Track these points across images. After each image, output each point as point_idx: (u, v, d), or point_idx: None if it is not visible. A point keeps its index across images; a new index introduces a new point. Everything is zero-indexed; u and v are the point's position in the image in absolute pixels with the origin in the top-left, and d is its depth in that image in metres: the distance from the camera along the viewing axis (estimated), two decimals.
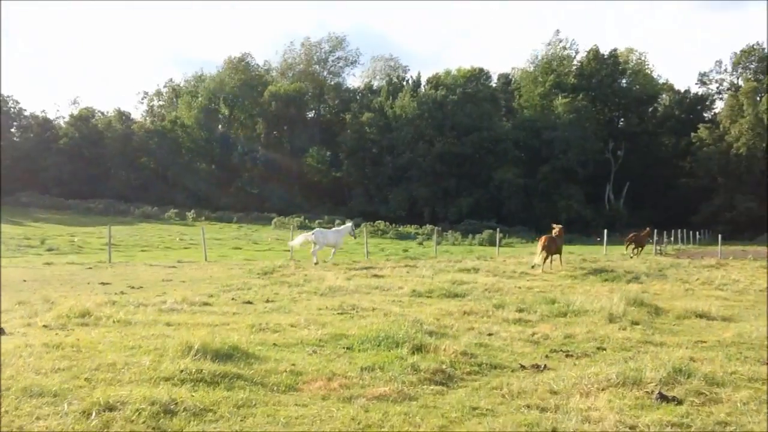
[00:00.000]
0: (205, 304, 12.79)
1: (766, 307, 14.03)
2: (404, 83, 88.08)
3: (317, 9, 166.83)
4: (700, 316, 12.43)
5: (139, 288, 16.02)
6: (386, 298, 14.51)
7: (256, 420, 5.61)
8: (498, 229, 45.59)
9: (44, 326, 9.60)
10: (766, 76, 79.42)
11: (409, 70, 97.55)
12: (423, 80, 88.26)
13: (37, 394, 5.81)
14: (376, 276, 19.50)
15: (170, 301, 12.48)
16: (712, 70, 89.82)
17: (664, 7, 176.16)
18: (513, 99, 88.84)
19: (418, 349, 8.39)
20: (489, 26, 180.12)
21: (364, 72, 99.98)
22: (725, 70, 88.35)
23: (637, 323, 11.27)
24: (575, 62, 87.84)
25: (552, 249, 24.18)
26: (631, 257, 33.33)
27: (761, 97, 75.99)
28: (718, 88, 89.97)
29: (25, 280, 17.41)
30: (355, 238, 31.28)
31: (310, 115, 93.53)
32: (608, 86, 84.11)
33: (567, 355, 8.83)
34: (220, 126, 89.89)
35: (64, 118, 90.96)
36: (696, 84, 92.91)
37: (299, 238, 27.52)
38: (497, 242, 41.31)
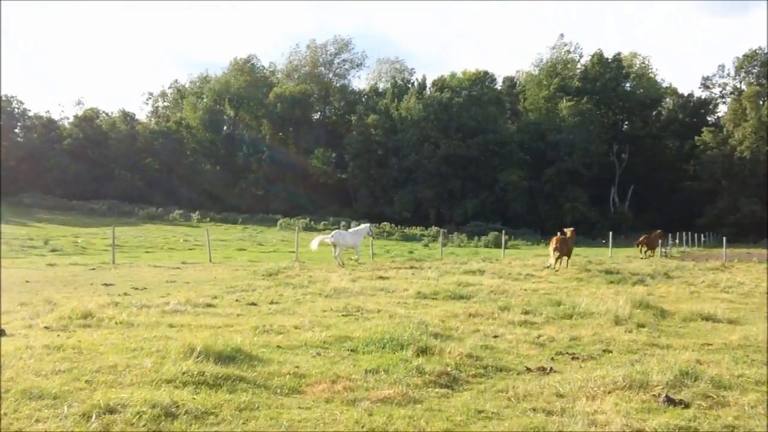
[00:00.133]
0: (209, 305, 12.72)
1: (766, 309, 13.94)
2: (410, 85, 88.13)
3: (323, 11, 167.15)
4: (706, 318, 12.33)
5: (143, 289, 15.99)
6: (391, 299, 14.44)
7: (259, 423, 5.54)
8: (503, 231, 45.47)
9: (46, 328, 9.54)
10: None
11: (414, 72, 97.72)
12: (428, 83, 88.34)
13: (37, 396, 5.74)
14: (381, 278, 19.43)
15: (173, 302, 12.42)
16: (715, 74, 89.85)
17: (667, 11, 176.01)
18: (518, 102, 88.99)
19: (423, 351, 8.31)
20: (494, 30, 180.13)
21: (370, 74, 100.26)
22: (728, 75, 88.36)
23: (643, 326, 11.17)
24: (579, 66, 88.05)
25: (564, 250, 25.02)
26: (643, 258, 33.35)
27: (764, 101, 76.04)
28: (721, 92, 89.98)
29: (27, 281, 17.39)
30: (373, 238, 31.42)
31: (315, 117, 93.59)
32: (612, 90, 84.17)
33: (573, 358, 8.75)
34: (225, 127, 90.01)
35: (68, 118, 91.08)
36: (699, 88, 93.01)
37: (316, 240, 27.60)
38: (503, 244, 41.18)
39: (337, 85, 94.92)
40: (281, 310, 12.44)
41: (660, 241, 38.47)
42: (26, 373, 6.54)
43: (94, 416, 5.29)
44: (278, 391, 6.59)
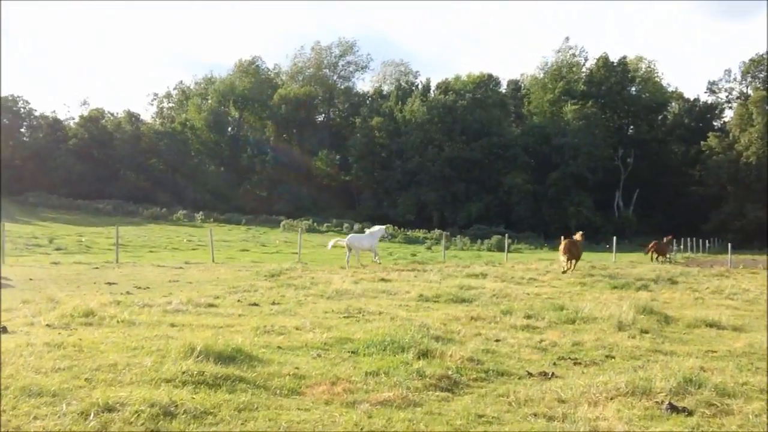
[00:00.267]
0: (211, 305, 12.69)
1: (766, 316, 13.85)
2: (414, 88, 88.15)
3: (329, 14, 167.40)
4: (711, 325, 12.23)
5: (145, 288, 15.98)
6: (393, 302, 14.39)
7: (257, 424, 5.50)
8: (507, 235, 45.45)
9: (47, 325, 9.52)
10: None
11: (419, 75, 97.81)
12: (432, 85, 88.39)
13: (36, 393, 5.71)
14: (383, 280, 19.37)
15: (175, 302, 12.40)
16: (721, 79, 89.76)
17: (673, 15, 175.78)
18: (522, 105, 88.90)
19: (424, 354, 8.26)
20: (499, 33, 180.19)
21: (375, 77, 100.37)
22: (734, 79, 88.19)
23: (646, 331, 11.09)
24: (584, 69, 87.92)
25: (573, 253, 25.46)
26: (657, 263, 33.43)
27: None
28: (727, 96, 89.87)
29: (31, 279, 17.40)
30: (388, 240, 31.18)
31: (319, 119, 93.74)
32: (618, 93, 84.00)
33: (575, 363, 8.68)
34: (229, 128, 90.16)
35: (73, 118, 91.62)
36: (705, 92, 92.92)
37: (332, 242, 27.64)
38: (506, 248, 41.14)
39: (342, 87, 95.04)
40: (283, 311, 12.40)
41: (671, 246, 38.64)
42: (26, 370, 6.51)
43: (92, 414, 5.26)
44: (278, 392, 6.55)
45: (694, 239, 58.06)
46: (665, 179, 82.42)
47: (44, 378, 6.24)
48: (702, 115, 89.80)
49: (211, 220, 69.29)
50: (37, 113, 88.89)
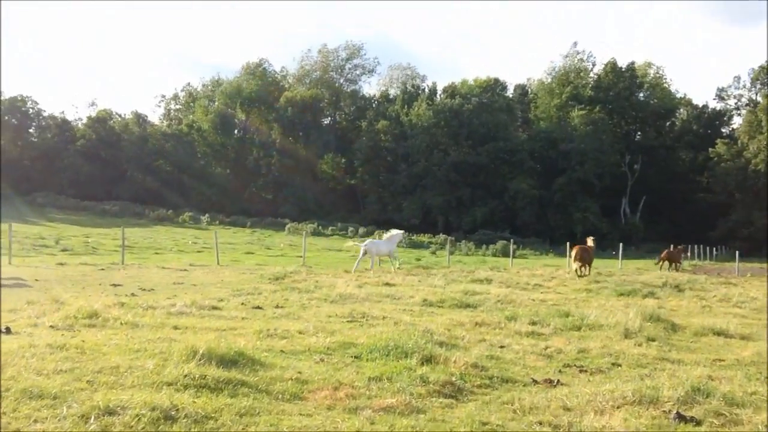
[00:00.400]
0: (214, 308, 12.67)
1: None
2: (420, 92, 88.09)
3: (337, 18, 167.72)
4: (718, 333, 12.12)
5: (150, 290, 15.99)
6: (397, 306, 14.32)
7: (259, 429, 5.45)
8: (512, 240, 45.29)
9: (51, 326, 9.51)
10: None
11: (426, 78, 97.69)
12: (439, 90, 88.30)
13: (37, 395, 5.67)
14: (387, 284, 19.33)
15: (179, 304, 12.37)
16: (730, 86, 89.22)
17: (682, 21, 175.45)
18: (529, 110, 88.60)
19: (428, 360, 8.18)
20: (506, 38, 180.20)
21: (381, 80, 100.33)
22: (744, 86, 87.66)
23: (653, 339, 10.99)
24: (592, 75, 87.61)
25: (585, 259, 26.21)
26: (668, 271, 33.47)
27: None
28: (736, 103, 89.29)
29: (37, 280, 17.42)
30: (405, 246, 31.36)
31: (325, 122, 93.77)
32: (625, 99, 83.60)
33: (581, 371, 8.60)
34: (236, 130, 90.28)
35: (81, 119, 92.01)
36: (714, 99, 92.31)
37: (352, 243, 27.64)
38: (511, 253, 41.01)
39: (348, 90, 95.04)
40: (286, 315, 12.36)
41: (684, 255, 38.82)
42: (27, 372, 6.47)
43: (93, 418, 5.21)
44: (280, 396, 6.49)
45: (702, 247, 57.75)
46: (673, 186, 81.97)
47: (46, 380, 6.21)
48: (710, 121, 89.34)
49: (217, 222, 69.40)
50: (45, 114, 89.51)
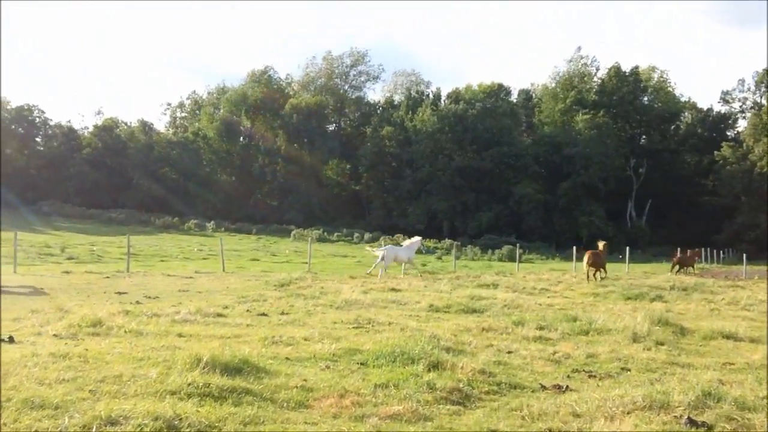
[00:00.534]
0: (219, 315, 12.61)
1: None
2: (424, 97, 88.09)
3: (342, 25, 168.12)
4: (727, 336, 12.00)
5: (155, 298, 15.92)
6: (403, 312, 14.24)
7: None
8: (518, 245, 45.15)
9: (55, 335, 9.45)
10: None
11: (430, 84, 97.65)
12: (443, 95, 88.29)
13: (38, 405, 5.60)
14: (393, 290, 19.23)
15: (184, 311, 12.31)
16: (735, 89, 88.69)
17: (686, 25, 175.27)
18: (533, 115, 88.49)
19: (435, 366, 8.09)
20: (511, 43, 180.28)
21: (386, 86, 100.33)
22: (748, 89, 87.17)
23: (662, 343, 10.89)
24: (596, 79, 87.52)
25: (597, 263, 27.00)
26: (675, 274, 33.52)
27: None
28: (741, 106, 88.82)
29: (42, 288, 17.38)
30: (423, 252, 31.68)
31: (330, 128, 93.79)
32: (630, 103, 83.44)
33: (590, 376, 8.50)
34: (241, 138, 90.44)
35: (88, 128, 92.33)
36: (719, 102, 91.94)
37: (371, 250, 28.02)
38: (517, 258, 40.89)
39: (353, 96, 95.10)
40: (291, 321, 12.29)
41: (697, 259, 39.08)
42: (29, 381, 6.40)
43: (94, 428, 5.14)
44: (285, 404, 6.42)
45: (708, 250, 57.49)
46: (678, 189, 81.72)
47: (48, 389, 6.14)
48: (715, 125, 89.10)
49: (222, 229, 69.46)
50: (52, 123, 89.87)
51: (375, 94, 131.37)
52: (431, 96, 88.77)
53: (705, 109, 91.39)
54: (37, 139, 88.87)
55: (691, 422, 6.06)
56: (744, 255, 38.20)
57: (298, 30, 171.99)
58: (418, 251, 30.46)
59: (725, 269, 44.33)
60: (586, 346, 10.42)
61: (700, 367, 9.07)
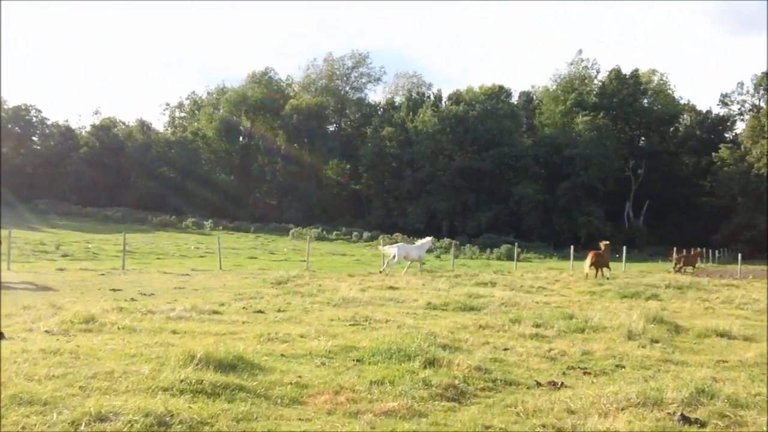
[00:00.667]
0: (215, 312, 12.56)
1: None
2: (425, 99, 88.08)
3: (343, 27, 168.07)
4: (721, 335, 12.02)
5: (150, 295, 15.87)
6: (401, 310, 14.22)
7: None
8: (516, 244, 45.19)
9: (46, 331, 9.40)
10: None
11: (432, 86, 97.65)
12: (444, 97, 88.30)
13: (27, 401, 5.54)
14: (391, 288, 19.21)
15: (179, 308, 12.26)
16: (733, 92, 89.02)
17: (686, 28, 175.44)
18: (534, 117, 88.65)
19: (431, 363, 8.07)
20: (512, 46, 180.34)
21: (387, 88, 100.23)
22: (747, 92, 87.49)
23: (656, 341, 10.89)
24: (597, 81, 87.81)
25: (600, 263, 27.66)
26: (676, 273, 33.87)
27: None
28: (739, 109, 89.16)
29: (36, 285, 17.33)
30: (435, 251, 32.31)
31: (330, 129, 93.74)
32: (629, 105, 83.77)
33: (585, 373, 8.49)
34: (240, 138, 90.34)
35: (85, 127, 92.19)
36: (717, 105, 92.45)
37: (383, 247, 29.21)
38: (515, 257, 40.94)
39: (353, 98, 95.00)
40: (288, 319, 12.26)
41: (700, 259, 39.55)
42: (18, 377, 6.35)
43: (83, 424, 5.08)
44: (279, 401, 6.37)
45: (704, 250, 57.60)
46: (676, 190, 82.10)
47: (37, 385, 6.07)
48: (714, 127, 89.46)
49: (220, 227, 69.40)
50: (49, 122, 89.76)
51: (376, 95, 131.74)
52: (432, 97, 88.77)
53: (704, 111, 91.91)
54: (34, 138, 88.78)
55: (685, 419, 6.05)
56: (739, 255, 38.26)
57: (298, 32, 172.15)
58: (429, 250, 31.05)
59: (720, 268, 44.39)
60: (582, 344, 10.41)
61: (694, 365, 9.08)
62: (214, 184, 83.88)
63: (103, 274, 21.70)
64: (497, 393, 7.26)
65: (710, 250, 59.52)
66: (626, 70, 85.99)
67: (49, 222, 62.93)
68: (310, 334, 10.14)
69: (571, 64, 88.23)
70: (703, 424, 6.00)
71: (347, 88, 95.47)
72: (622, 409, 6.26)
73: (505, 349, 9.72)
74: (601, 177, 75.13)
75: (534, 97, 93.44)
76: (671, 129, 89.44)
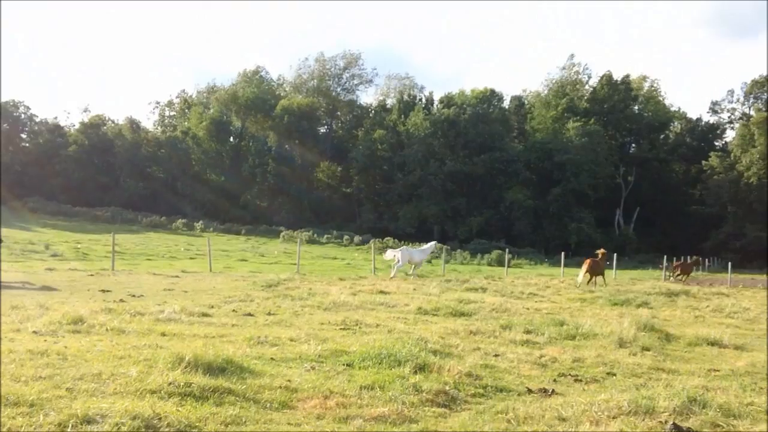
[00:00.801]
0: (204, 314, 12.47)
1: (766, 334, 13.64)
2: (417, 101, 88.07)
3: (335, 28, 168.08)
4: (712, 343, 12.04)
5: (140, 296, 15.75)
6: (391, 314, 14.16)
7: None
8: (507, 250, 45.24)
9: (34, 332, 9.29)
10: None
11: (423, 89, 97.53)
12: (436, 100, 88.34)
13: (13, 403, 5.46)
14: (382, 292, 19.16)
15: (168, 310, 12.16)
16: (724, 99, 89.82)
17: (677, 35, 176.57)
18: (525, 121, 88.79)
19: (421, 368, 8.03)
20: (504, 50, 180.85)
21: (379, 90, 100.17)
22: (737, 100, 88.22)
23: (647, 349, 10.90)
24: (588, 87, 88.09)
25: (596, 271, 27.54)
26: (675, 281, 34.04)
27: None
28: (729, 117, 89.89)
29: (24, 284, 17.18)
30: (439, 256, 32.46)
31: (322, 130, 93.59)
32: (620, 112, 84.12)
33: (576, 380, 8.47)
34: (231, 138, 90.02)
35: (74, 125, 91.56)
36: (708, 112, 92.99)
37: (390, 254, 29.11)
38: (506, 263, 40.97)
39: (345, 99, 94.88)
40: (278, 322, 12.19)
41: (695, 268, 40.36)
42: (4, 378, 6.26)
43: (70, 426, 5.01)
44: (268, 405, 6.31)
45: (694, 258, 57.77)
46: (666, 198, 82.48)
47: (23, 387, 5.99)
48: (704, 134, 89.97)
49: (211, 229, 69.11)
50: (38, 119, 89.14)
51: (368, 97, 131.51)
52: (424, 100, 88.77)
53: (694, 119, 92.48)
54: (23, 136, 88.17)
55: (677, 428, 6.02)
56: (729, 264, 38.44)
57: (290, 31, 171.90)
58: (431, 255, 31.79)
59: (710, 277, 44.60)
60: (573, 351, 10.39)
61: (685, 373, 9.08)
62: (204, 185, 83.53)
63: (92, 275, 21.57)
64: (488, 399, 7.23)
65: (700, 259, 59.66)
66: (617, 76, 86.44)
67: (38, 221, 62.52)
68: (300, 337, 10.07)
69: (563, 68, 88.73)
70: None
71: (339, 89, 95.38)
72: (614, 418, 6.23)
73: (496, 356, 9.69)
74: (592, 183, 75.47)
75: (525, 101, 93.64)
76: (662, 136, 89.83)
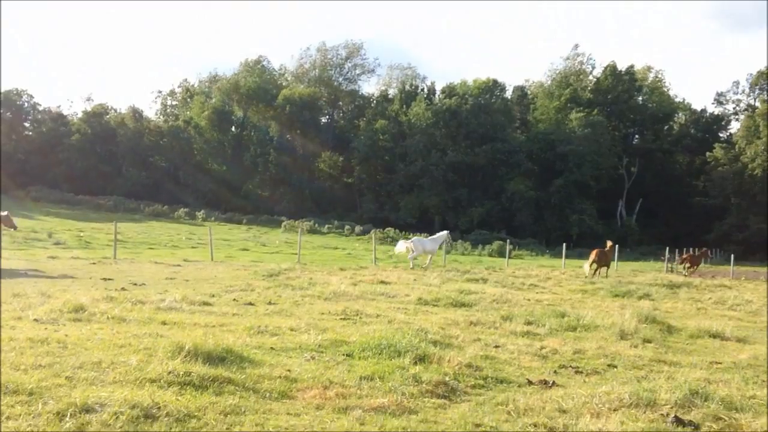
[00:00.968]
0: (205, 303, 12.48)
1: (766, 326, 13.61)
2: (419, 92, 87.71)
3: (337, 18, 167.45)
4: (714, 336, 12.01)
5: (141, 285, 15.77)
6: (391, 305, 14.15)
7: (244, 428, 5.26)
8: (508, 241, 45.21)
9: (35, 320, 9.29)
10: None
11: (426, 79, 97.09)
12: (437, 90, 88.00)
13: (12, 391, 5.46)
14: (382, 282, 19.15)
15: (169, 299, 12.16)
16: (729, 91, 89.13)
17: (682, 26, 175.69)
18: (528, 112, 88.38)
19: (421, 359, 8.02)
20: (506, 40, 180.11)
21: (381, 80, 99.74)
22: (742, 91, 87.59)
23: (649, 341, 10.87)
24: (592, 77, 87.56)
25: (602, 262, 27.84)
26: (685, 275, 33.75)
27: None
28: (734, 108, 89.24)
29: (26, 272, 17.19)
30: (451, 246, 32.98)
31: (323, 120, 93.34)
32: (624, 102, 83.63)
33: (576, 372, 8.44)
34: (233, 128, 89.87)
35: (77, 114, 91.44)
36: (712, 103, 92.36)
37: (401, 246, 29.60)
38: (507, 254, 40.95)
39: (347, 89, 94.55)
40: (278, 311, 12.18)
41: (705, 259, 40.31)
42: (4, 366, 6.26)
43: (68, 415, 5.00)
44: (267, 395, 6.30)
45: (697, 250, 57.72)
46: (669, 189, 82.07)
47: (22, 375, 5.99)
48: (708, 126, 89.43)
49: (213, 218, 69.16)
50: (41, 107, 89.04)
51: (370, 87, 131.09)
52: (425, 90, 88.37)
53: (699, 110, 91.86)
54: (26, 124, 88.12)
55: (678, 421, 6.00)
56: (732, 256, 38.40)
57: (292, 20, 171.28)
58: (444, 244, 32.72)
59: (713, 269, 44.55)
60: (574, 342, 10.37)
61: (687, 366, 9.04)
62: (206, 175, 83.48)
63: (94, 263, 21.59)
64: (488, 391, 7.21)
65: (708, 251, 59.60)
66: (622, 67, 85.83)
67: (41, 210, 62.56)
68: (300, 327, 10.06)
69: (567, 59, 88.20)
70: (697, 427, 5.95)
71: (341, 79, 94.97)
72: (615, 410, 6.21)
73: (497, 347, 9.67)
74: (595, 174, 75.11)
75: (528, 92, 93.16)
76: (665, 127, 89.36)
